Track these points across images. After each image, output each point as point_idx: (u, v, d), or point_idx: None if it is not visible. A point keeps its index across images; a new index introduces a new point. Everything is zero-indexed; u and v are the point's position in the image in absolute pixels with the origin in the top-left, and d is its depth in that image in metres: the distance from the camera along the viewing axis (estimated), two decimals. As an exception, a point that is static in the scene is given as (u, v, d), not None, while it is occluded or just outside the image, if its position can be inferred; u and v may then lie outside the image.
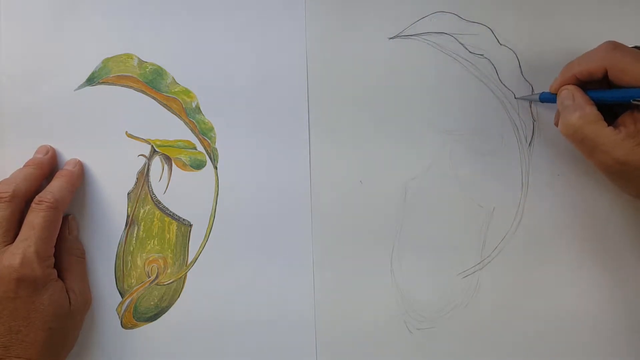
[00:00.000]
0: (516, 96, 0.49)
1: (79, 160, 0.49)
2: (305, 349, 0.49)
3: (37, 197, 0.46)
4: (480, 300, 0.49)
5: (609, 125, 0.42)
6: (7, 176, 0.48)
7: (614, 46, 0.43)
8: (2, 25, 0.50)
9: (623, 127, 0.42)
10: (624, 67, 0.42)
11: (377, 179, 0.50)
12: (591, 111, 0.43)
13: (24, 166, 0.48)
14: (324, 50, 0.50)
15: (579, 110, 0.43)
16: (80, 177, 0.49)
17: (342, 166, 0.50)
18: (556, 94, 0.45)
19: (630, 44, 0.43)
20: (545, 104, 0.49)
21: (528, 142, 0.49)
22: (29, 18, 0.50)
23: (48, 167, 0.49)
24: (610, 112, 0.44)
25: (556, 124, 0.47)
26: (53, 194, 0.46)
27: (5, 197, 0.45)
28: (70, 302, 0.46)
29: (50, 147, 0.49)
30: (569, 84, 0.44)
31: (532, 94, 0.49)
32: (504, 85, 0.50)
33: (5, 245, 0.44)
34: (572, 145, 0.44)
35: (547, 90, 0.47)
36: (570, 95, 0.44)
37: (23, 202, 0.46)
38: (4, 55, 0.50)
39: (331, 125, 0.50)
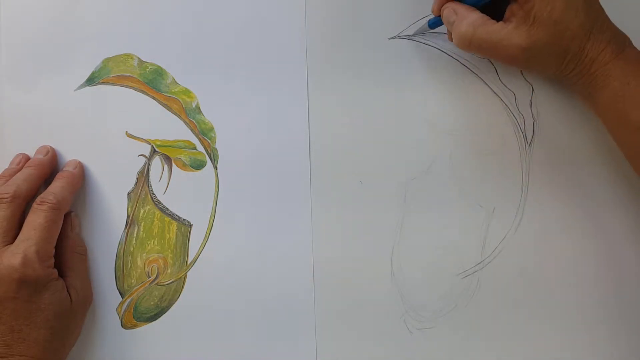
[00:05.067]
0: (410, 36, 0.49)
1: (79, 162, 0.49)
2: (305, 347, 0.49)
3: (39, 197, 0.46)
4: (480, 300, 0.49)
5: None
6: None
7: None
8: (2, 24, 0.50)
9: (513, 17, 0.43)
10: None
11: (377, 179, 0.50)
12: (477, 15, 0.44)
13: (25, 167, 0.48)
14: (324, 49, 0.50)
15: (465, 20, 0.44)
16: (81, 179, 0.49)
17: (342, 166, 0.50)
18: (440, 16, 0.46)
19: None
20: (544, 102, 0.49)
21: (528, 142, 0.49)
22: (29, 18, 0.50)
23: (48, 167, 0.49)
24: (499, 13, 0.44)
25: (451, 40, 0.47)
26: (55, 195, 0.46)
27: (7, 198, 0.45)
28: (71, 299, 0.46)
29: (51, 147, 0.49)
30: (447, 2, 0.45)
31: (420, 27, 0.49)
32: (504, 85, 0.49)
33: (5, 245, 0.44)
34: (473, 52, 0.44)
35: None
36: (452, 11, 0.45)
37: (24, 203, 0.46)
38: (4, 55, 0.50)
39: (331, 125, 0.50)
